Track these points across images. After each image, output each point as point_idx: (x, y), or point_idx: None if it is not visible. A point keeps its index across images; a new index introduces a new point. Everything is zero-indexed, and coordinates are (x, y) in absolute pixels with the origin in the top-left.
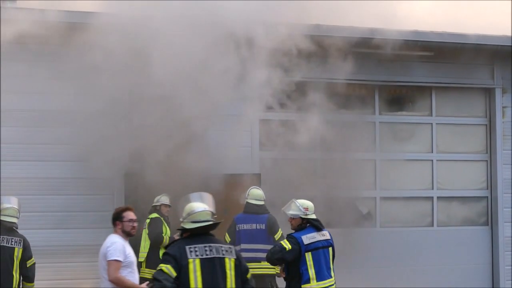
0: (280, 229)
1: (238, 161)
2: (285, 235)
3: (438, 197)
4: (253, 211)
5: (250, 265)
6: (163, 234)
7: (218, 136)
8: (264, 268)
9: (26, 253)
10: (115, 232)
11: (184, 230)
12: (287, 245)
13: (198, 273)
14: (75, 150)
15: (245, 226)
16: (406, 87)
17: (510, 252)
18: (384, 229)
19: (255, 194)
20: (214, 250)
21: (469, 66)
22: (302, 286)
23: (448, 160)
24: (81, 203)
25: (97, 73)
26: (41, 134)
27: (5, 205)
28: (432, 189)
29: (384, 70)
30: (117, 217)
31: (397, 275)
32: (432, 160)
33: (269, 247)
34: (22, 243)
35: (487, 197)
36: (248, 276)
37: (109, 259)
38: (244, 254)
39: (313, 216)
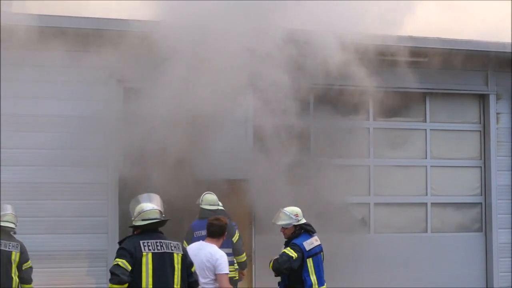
0: (237, 231)
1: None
2: (241, 241)
3: (432, 203)
4: (208, 217)
5: None
6: None
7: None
8: None
9: (23, 257)
10: (216, 243)
11: (135, 227)
12: (292, 253)
13: (150, 266)
14: (70, 155)
15: (203, 232)
16: (400, 93)
17: (504, 259)
18: (378, 235)
19: (209, 200)
20: (164, 245)
21: (463, 72)
22: None
23: (442, 166)
24: (76, 209)
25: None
26: (35, 139)
27: (3, 212)
28: (426, 195)
29: (378, 76)
30: (224, 231)
31: (391, 281)
32: (426, 166)
33: (228, 250)
34: (19, 248)
35: (481, 203)
36: (192, 269)
37: (223, 272)
38: None
39: (304, 221)
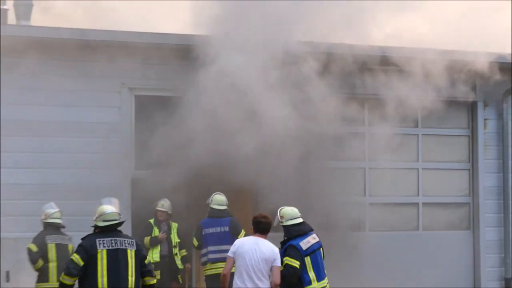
0: (242, 230)
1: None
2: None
3: (423, 203)
4: (216, 215)
5: (217, 264)
6: (146, 236)
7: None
8: None
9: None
10: (265, 238)
11: (96, 227)
12: (295, 262)
13: (104, 261)
14: (86, 158)
15: (211, 230)
16: (394, 101)
17: (491, 255)
18: (373, 233)
19: (218, 200)
20: (118, 243)
21: (453, 81)
22: (306, 287)
23: (432, 169)
24: (91, 208)
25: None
26: (53, 143)
27: (50, 210)
28: (418, 195)
29: (372, 84)
30: (270, 227)
31: (385, 276)
32: (417, 169)
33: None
34: (71, 240)
35: (469, 203)
36: (146, 261)
37: (279, 265)
38: (211, 255)
39: (295, 221)
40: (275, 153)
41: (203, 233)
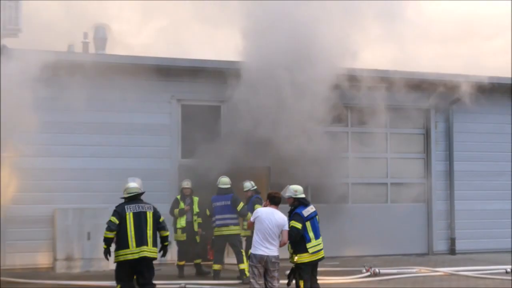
0: (241, 203)
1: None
2: (248, 208)
3: (391, 183)
4: (222, 193)
5: (221, 228)
6: (175, 209)
7: None
8: (230, 230)
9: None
10: (277, 208)
11: (124, 198)
12: (298, 225)
13: (131, 220)
14: (145, 150)
15: (218, 204)
16: (368, 107)
17: (440, 221)
18: (354, 205)
19: (223, 181)
20: (140, 207)
21: (412, 93)
22: (307, 244)
23: (397, 158)
24: (148, 187)
25: None
26: (121, 139)
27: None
28: (387, 177)
29: (355, 95)
30: (280, 201)
31: (364, 238)
32: (387, 158)
33: (233, 216)
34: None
35: (424, 183)
36: (161, 220)
37: (287, 229)
38: (217, 222)
39: (302, 196)
40: (288, 145)
41: (213, 206)
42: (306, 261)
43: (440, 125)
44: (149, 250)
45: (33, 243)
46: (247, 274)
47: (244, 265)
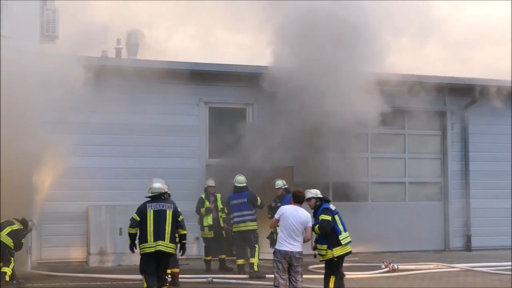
0: (258, 198)
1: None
2: (263, 202)
3: (409, 182)
4: (238, 191)
5: (240, 224)
6: (201, 208)
7: None
8: (248, 226)
9: (176, 213)
10: (300, 206)
11: (148, 197)
12: (328, 217)
13: (151, 217)
14: (175, 150)
15: (235, 201)
16: (387, 110)
17: (456, 218)
18: (373, 203)
19: (239, 180)
20: (161, 206)
21: (430, 96)
22: (339, 236)
23: (415, 158)
24: (177, 186)
25: None
26: (152, 140)
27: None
28: (405, 177)
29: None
30: (304, 199)
31: (383, 235)
32: (405, 158)
33: (250, 212)
34: (173, 207)
35: (441, 182)
36: (179, 219)
37: (310, 225)
38: (236, 219)
39: (321, 195)
40: (310, 147)
41: (230, 204)
42: (342, 253)
43: (456, 126)
44: (165, 245)
45: (68, 238)
46: (256, 268)
47: (255, 260)
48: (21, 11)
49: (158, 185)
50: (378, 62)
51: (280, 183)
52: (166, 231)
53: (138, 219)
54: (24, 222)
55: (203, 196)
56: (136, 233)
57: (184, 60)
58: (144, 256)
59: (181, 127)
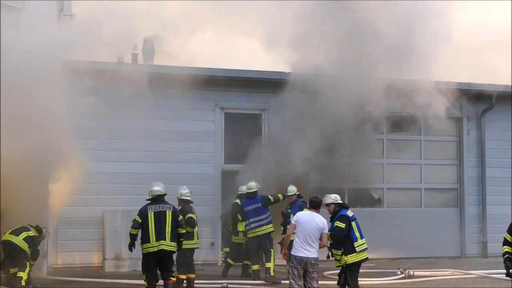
0: (269, 196)
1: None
2: (276, 196)
3: (424, 188)
4: (250, 197)
5: (256, 229)
6: (238, 214)
7: None
8: (264, 229)
9: (176, 213)
10: (317, 212)
11: (149, 199)
12: (342, 225)
13: (152, 218)
14: (191, 155)
15: (249, 207)
16: (402, 116)
17: (472, 225)
18: (389, 209)
19: (250, 186)
20: (160, 207)
21: (445, 102)
22: (354, 243)
23: (431, 164)
24: (193, 190)
25: None
26: (169, 145)
27: (184, 190)
28: (421, 183)
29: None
30: (320, 204)
31: (398, 241)
32: (421, 164)
33: (265, 216)
34: (172, 207)
35: (457, 188)
36: (179, 218)
37: (327, 232)
38: (252, 224)
39: (340, 201)
40: (326, 153)
41: (245, 210)
42: (356, 260)
43: (472, 133)
44: (167, 244)
45: (84, 243)
46: (272, 273)
47: (271, 264)
48: (39, 17)
49: (158, 188)
50: (397, 68)
51: (293, 189)
52: (167, 231)
53: (140, 220)
54: (38, 229)
55: (238, 201)
56: (137, 234)
57: (200, 66)
58: (147, 256)
59: (197, 133)
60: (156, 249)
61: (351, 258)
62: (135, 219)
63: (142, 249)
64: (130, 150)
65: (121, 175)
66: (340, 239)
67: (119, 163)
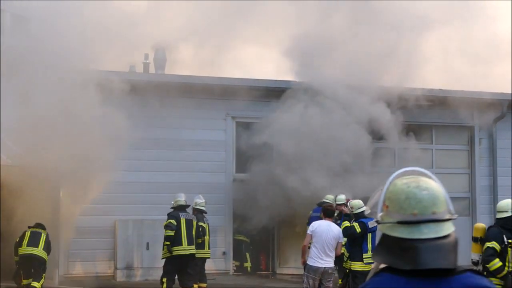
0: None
1: None
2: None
3: None
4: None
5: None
6: None
7: None
8: None
9: (197, 224)
10: (331, 221)
11: (174, 207)
12: (358, 228)
13: (184, 224)
14: (202, 164)
15: (314, 214)
16: (414, 125)
17: None
18: None
19: (339, 199)
20: (189, 216)
21: (457, 111)
22: (364, 254)
23: (443, 173)
24: (206, 199)
25: None
26: (181, 154)
27: (198, 200)
28: None
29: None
30: (334, 213)
31: None
32: (432, 173)
33: None
34: (207, 221)
35: (469, 197)
36: (200, 229)
37: (342, 241)
38: None
39: (360, 211)
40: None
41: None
42: (359, 269)
43: (484, 141)
44: (195, 250)
45: (95, 253)
46: None
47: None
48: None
49: (182, 198)
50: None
51: (343, 197)
52: (194, 238)
53: (175, 223)
54: (43, 227)
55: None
56: (173, 236)
57: (211, 75)
58: (173, 259)
59: (208, 142)
60: (188, 253)
61: (356, 266)
62: (170, 221)
63: (173, 251)
64: (141, 159)
65: (133, 184)
66: (348, 235)
67: (131, 172)
